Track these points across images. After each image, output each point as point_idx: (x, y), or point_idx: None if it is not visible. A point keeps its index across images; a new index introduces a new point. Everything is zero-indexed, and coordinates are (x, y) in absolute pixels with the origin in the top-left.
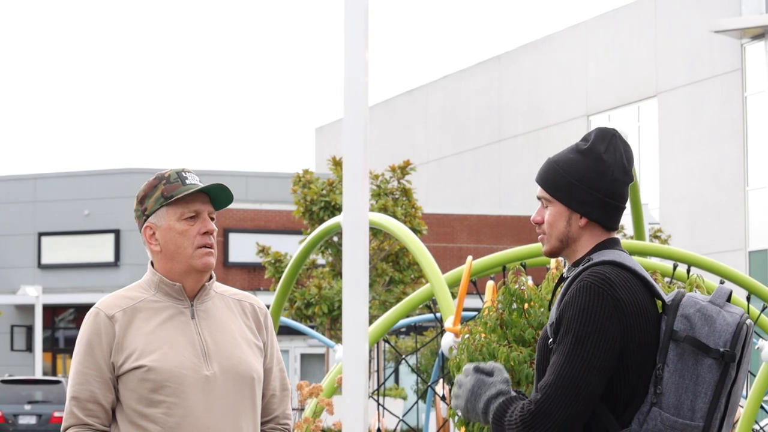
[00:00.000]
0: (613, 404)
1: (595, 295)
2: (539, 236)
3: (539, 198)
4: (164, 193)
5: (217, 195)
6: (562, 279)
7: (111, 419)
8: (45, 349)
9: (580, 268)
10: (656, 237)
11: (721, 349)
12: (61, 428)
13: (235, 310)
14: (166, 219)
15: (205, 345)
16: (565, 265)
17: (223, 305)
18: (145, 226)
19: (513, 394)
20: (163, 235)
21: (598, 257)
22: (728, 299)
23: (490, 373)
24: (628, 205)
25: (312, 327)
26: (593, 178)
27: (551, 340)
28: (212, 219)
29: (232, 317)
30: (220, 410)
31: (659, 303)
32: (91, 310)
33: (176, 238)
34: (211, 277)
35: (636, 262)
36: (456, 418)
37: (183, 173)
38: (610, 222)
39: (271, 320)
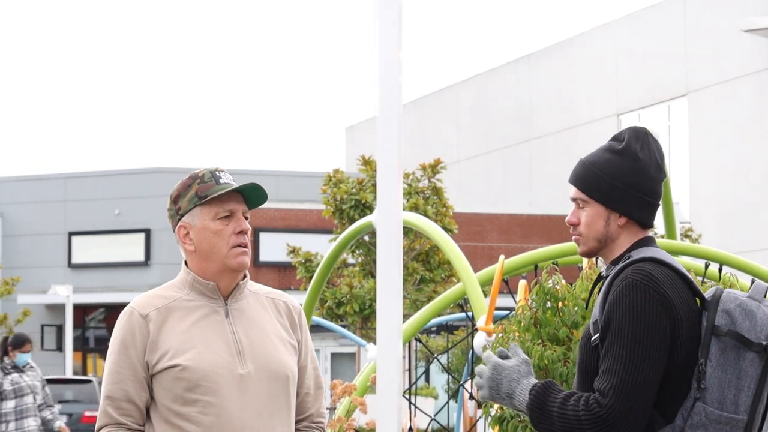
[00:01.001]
0: (657, 400)
1: (641, 292)
2: (574, 237)
3: (574, 199)
4: (198, 192)
5: (250, 194)
6: (600, 278)
7: (145, 418)
8: (75, 349)
9: (620, 265)
10: (687, 236)
11: (764, 343)
12: (95, 427)
13: (270, 309)
14: (201, 218)
15: (240, 344)
16: (597, 264)
17: (258, 304)
18: (179, 225)
19: (535, 381)
20: (197, 235)
21: (637, 254)
22: (765, 295)
23: (505, 357)
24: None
25: (343, 326)
26: (633, 178)
27: (594, 337)
28: (246, 218)
29: (266, 316)
30: (255, 409)
31: (698, 300)
32: (125, 309)
33: (211, 238)
34: (245, 276)
35: (674, 259)
36: (489, 417)
37: (217, 172)
38: (648, 220)
39: (305, 319)
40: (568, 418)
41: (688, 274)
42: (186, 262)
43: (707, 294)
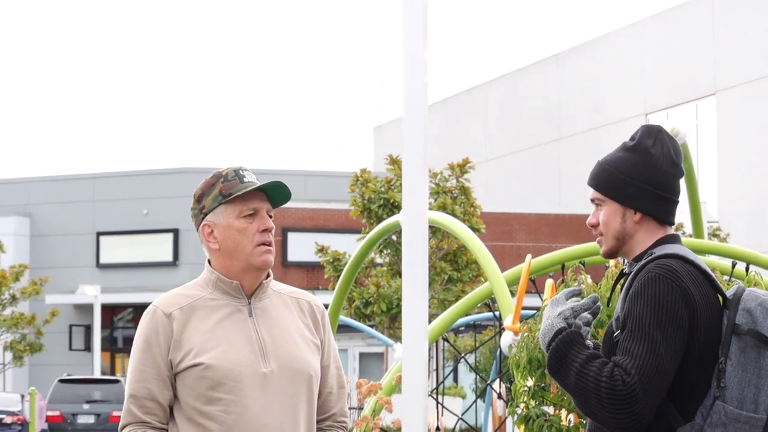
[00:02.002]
0: (677, 398)
1: (664, 284)
2: (596, 239)
3: (593, 200)
4: (222, 191)
5: (274, 192)
6: (622, 275)
7: (168, 417)
8: (103, 349)
9: (644, 261)
10: (715, 235)
11: None
12: (119, 426)
13: (293, 308)
14: (225, 217)
15: (263, 342)
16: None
17: (281, 303)
18: (203, 224)
19: (564, 325)
20: (221, 233)
21: (660, 251)
22: None
23: (572, 296)
24: (686, 202)
25: (371, 326)
26: (643, 172)
27: (617, 333)
28: (270, 216)
29: (289, 315)
30: (278, 407)
31: (720, 298)
32: (149, 308)
33: (235, 236)
34: (268, 275)
35: (697, 257)
36: (515, 416)
37: (240, 171)
38: (664, 215)
39: (328, 318)
40: (586, 379)
41: (711, 272)
42: (209, 261)
43: (729, 292)
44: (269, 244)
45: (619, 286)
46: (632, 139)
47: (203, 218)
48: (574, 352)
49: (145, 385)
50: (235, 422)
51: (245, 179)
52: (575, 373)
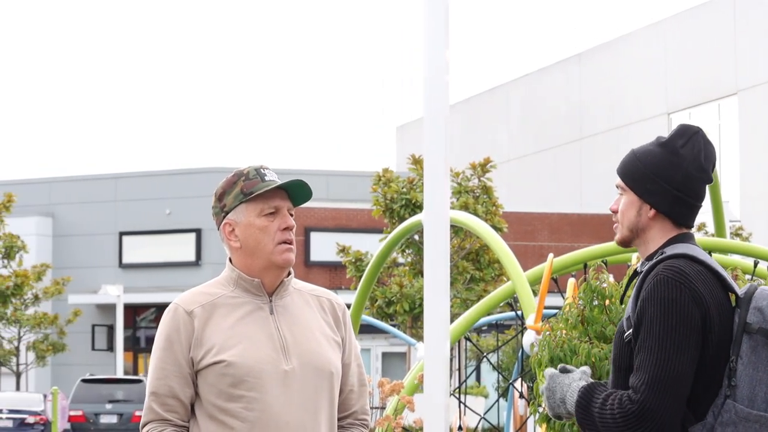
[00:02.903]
0: (689, 397)
1: (673, 287)
2: (614, 225)
3: (617, 186)
4: (243, 189)
5: (295, 191)
6: (636, 273)
7: (190, 414)
8: (126, 349)
9: (653, 261)
10: (737, 235)
11: None
12: (140, 423)
13: (314, 306)
14: (246, 215)
15: (284, 340)
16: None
17: (302, 301)
18: (224, 222)
19: (585, 383)
20: (242, 232)
21: (670, 251)
22: None
23: (565, 372)
24: (708, 202)
25: (393, 325)
26: (665, 170)
27: (627, 333)
28: (291, 215)
29: (310, 313)
30: (299, 405)
31: (732, 297)
32: (170, 306)
33: (256, 234)
34: (289, 273)
35: (708, 256)
36: (537, 415)
37: (261, 170)
38: (681, 218)
39: (349, 316)
40: (605, 418)
41: (722, 270)
42: (230, 259)
43: (740, 291)
44: (290, 242)
45: (633, 284)
46: (669, 136)
47: (224, 216)
48: (594, 400)
49: (167, 382)
50: (257, 419)
51: (266, 178)
52: (598, 418)
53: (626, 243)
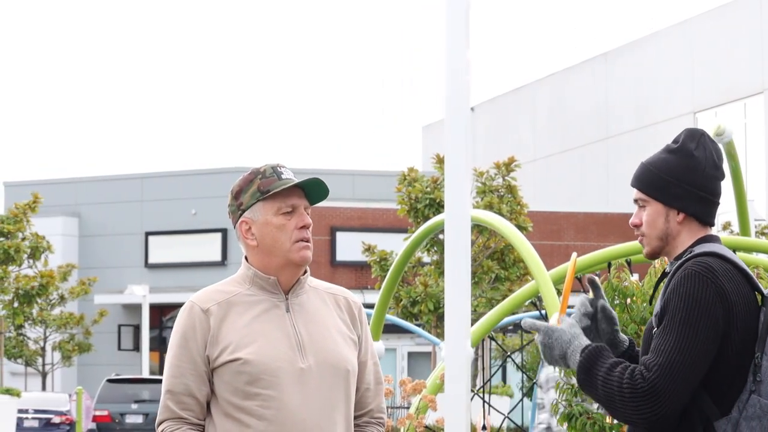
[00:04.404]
0: (715, 392)
1: (699, 282)
2: (638, 239)
3: (636, 200)
4: (260, 187)
5: (312, 190)
6: (665, 274)
7: (205, 413)
8: (152, 349)
9: (683, 259)
10: (763, 233)
11: None
12: (156, 422)
13: (330, 304)
14: (263, 213)
15: (300, 338)
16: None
17: (318, 299)
18: (240, 221)
19: (587, 342)
20: (259, 230)
21: (699, 249)
22: None
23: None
24: (733, 201)
25: (418, 325)
26: (687, 174)
27: (656, 330)
28: (308, 213)
29: (326, 311)
30: (316, 402)
31: (759, 296)
32: (186, 304)
33: (274, 233)
34: (305, 271)
35: (735, 255)
36: (558, 414)
37: (278, 168)
38: (706, 216)
39: (365, 315)
40: (611, 384)
41: (748, 270)
42: (246, 258)
43: (767, 291)
44: (307, 240)
45: (662, 285)
46: (675, 141)
47: (241, 215)
48: (599, 363)
49: (182, 380)
50: (274, 417)
51: (283, 176)
52: (601, 382)
53: (656, 254)
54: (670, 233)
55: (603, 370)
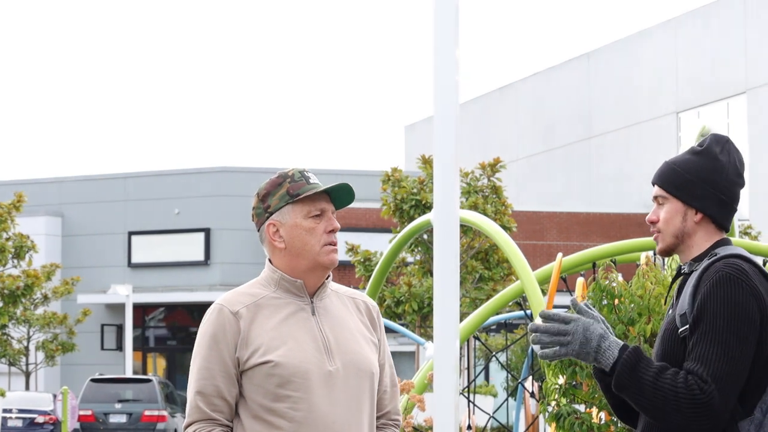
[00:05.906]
0: (740, 393)
1: (735, 284)
2: (653, 235)
3: (655, 197)
4: (290, 191)
5: (338, 195)
6: (680, 273)
7: (234, 414)
8: (135, 348)
9: (709, 261)
10: (746, 233)
11: None
12: (185, 423)
13: (351, 308)
14: (292, 216)
15: (327, 340)
16: (655, 261)
17: (339, 302)
18: (268, 223)
19: (621, 341)
20: (288, 232)
21: (723, 251)
22: None
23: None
24: None
25: (402, 325)
26: (710, 176)
27: (683, 329)
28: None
29: (348, 314)
30: (344, 405)
31: None
32: (213, 306)
33: (303, 236)
34: (329, 275)
35: (754, 257)
36: (547, 414)
37: (306, 172)
38: (724, 220)
39: (382, 319)
40: (663, 390)
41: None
42: (270, 260)
43: None
44: (335, 244)
45: (676, 285)
46: (700, 145)
47: (268, 217)
48: (643, 366)
49: (213, 382)
50: (304, 419)
51: (311, 180)
52: (650, 386)
53: (670, 251)
54: (686, 232)
55: (651, 373)
